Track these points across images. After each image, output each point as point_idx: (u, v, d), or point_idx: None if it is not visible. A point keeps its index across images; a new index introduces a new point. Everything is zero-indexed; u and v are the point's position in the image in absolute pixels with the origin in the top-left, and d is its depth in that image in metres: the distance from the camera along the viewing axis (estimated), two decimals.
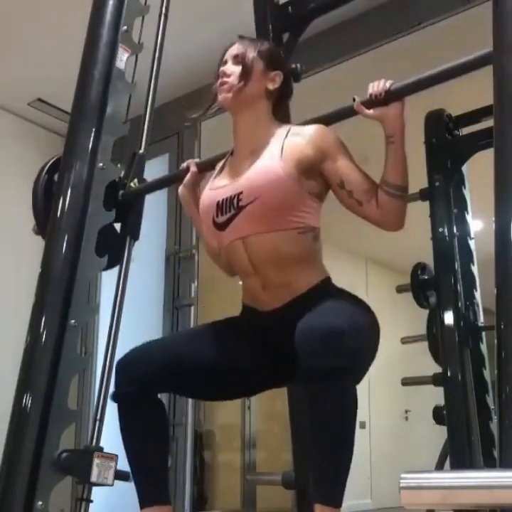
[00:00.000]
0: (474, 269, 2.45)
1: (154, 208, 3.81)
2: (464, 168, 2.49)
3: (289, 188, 1.50)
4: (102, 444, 1.83)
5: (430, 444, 3.32)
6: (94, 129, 2.01)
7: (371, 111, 1.50)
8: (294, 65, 1.76)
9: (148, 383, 1.53)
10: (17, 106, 4.06)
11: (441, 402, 2.27)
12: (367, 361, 1.42)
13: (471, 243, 2.47)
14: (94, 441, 1.83)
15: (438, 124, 2.46)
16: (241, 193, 1.54)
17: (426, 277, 2.49)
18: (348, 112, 1.58)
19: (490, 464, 2.12)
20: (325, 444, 1.32)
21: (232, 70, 1.61)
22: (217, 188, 1.62)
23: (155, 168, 3.35)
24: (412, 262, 2.56)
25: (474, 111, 2.41)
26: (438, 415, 2.28)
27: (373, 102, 1.49)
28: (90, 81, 2.06)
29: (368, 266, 6.64)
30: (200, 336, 1.66)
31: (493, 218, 1.19)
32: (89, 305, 1.98)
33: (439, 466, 2.28)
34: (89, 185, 1.97)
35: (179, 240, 3.87)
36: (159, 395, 1.60)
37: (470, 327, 2.32)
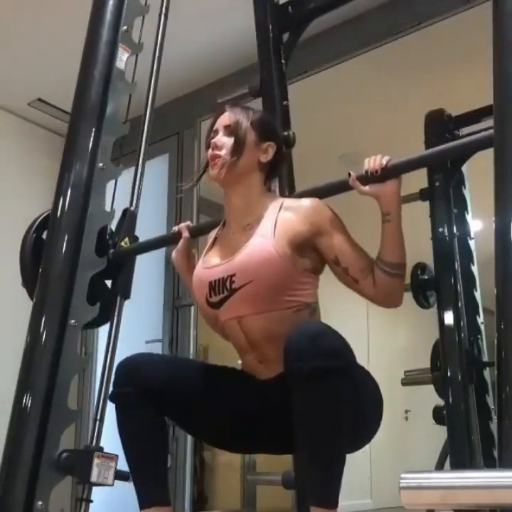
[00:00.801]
0: (474, 269, 2.46)
1: (154, 208, 3.81)
2: (464, 168, 2.49)
3: (283, 268, 1.46)
4: (102, 444, 1.83)
5: (430, 444, 3.32)
6: (94, 129, 2.01)
7: (367, 187, 1.47)
8: (286, 133, 1.75)
9: (148, 387, 1.50)
10: (17, 106, 4.06)
11: (442, 402, 2.27)
12: (359, 375, 1.42)
13: (471, 243, 2.48)
14: (94, 441, 1.83)
15: (438, 124, 2.46)
16: (234, 275, 1.50)
17: (426, 277, 2.49)
18: (342, 187, 1.55)
19: (490, 464, 2.12)
20: (313, 446, 1.30)
21: (224, 141, 1.55)
22: (209, 267, 1.58)
23: (155, 168, 3.36)
24: (412, 262, 2.56)
25: (474, 111, 2.41)
26: (438, 415, 2.28)
27: (369, 178, 1.46)
28: (90, 81, 2.06)
29: None
30: (203, 369, 1.62)
31: (493, 218, 1.19)
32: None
33: (439, 466, 2.28)
34: (89, 185, 1.97)
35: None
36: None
37: (473, 358, 2.32)
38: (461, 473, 0.94)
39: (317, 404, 1.28)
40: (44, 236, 2.02)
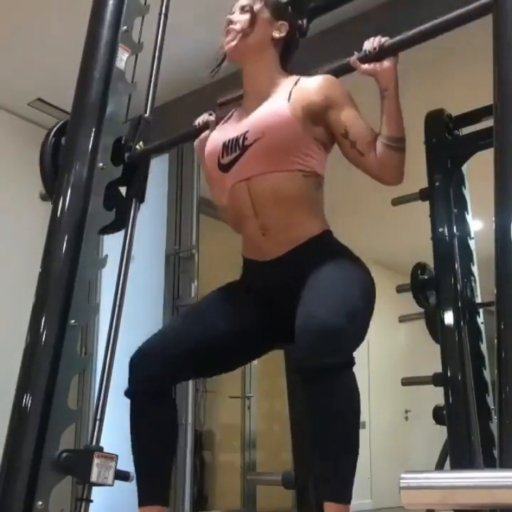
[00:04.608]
0: (474, 269, 2.46)
1: (154, 208, 3.82)
2: (464, 168, 2.49)
3: (295, 129, 1.52)
4: (102, 444, 1.83)
5: (430, 444, 3.32)
6: (94, 129, 2.01)
7: (366, 65, 1.53)
8: (299, 21, 1.78)
9: (160, 380, 1.53)
10: (17, 106, 4.06)
11: (441, 402, 2.27)
12: (361, 339, 1.45)
13: (471, 243, 2.48)
14: (94, 441, 1.83)
15: (438, 124, 2.46)
16: (247, 132, 1.57)
17: (426, 277, 2.49)
18: (345, 68, 1.61)
19: (490, 464, 2.12)
20: (332, 443, 1.32)
21: (239, 18, 1.67)
22: (224, 130, 1.66)
23: (155, 168, 3.35)
24: (412, 262, 2.56)
25: (474, 111, 2.41)
26: (438, 415, 2.28)
27: (369, 57, 1.53)
28: (90, 81, 2.06)
29: (367, 266, 6.64)
30: (202, 313, 1.65)
31: (493, 218, 1.19)
32: (89, 305, 1.98)
33: (439, 466, 2.28)
34: (89, 185, 1.96)
35: (179, 240, 3.87)
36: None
37: (467, 300, 2.33)
38: (461, 473, 0.94)
39: (329, 401, 1.30)
40: (62, 141, 2.07)
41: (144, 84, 2.18)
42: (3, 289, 3.77)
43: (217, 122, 1.77)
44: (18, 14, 3.25)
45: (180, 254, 3.83)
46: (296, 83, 1.60)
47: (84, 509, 1.76)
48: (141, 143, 2.06)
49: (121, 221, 2.02)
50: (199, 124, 1.82)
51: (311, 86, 1.57)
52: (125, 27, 2.13)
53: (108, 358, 1.90)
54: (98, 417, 1.83)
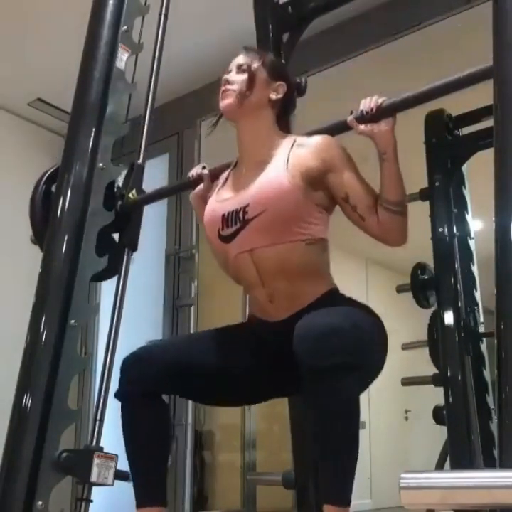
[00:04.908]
0: (474, 269, 2.45)
1: (154, 208, 3.81)
2: (464, 168, 2.49)
3: (296, 199, 1.49)
4: (102, 444, 1.83)
5: (430, 444, 3.31)
6: (94, 129, 2.01)
7: (362, 126, 1.49)
8: (298, 79, 1.75)
9: (153, 383, 1.53)
10: (17, 106, 4.06)
11: (441, 402, 2.26)
12: (371, 357, 1.44)
13: (471, 243, 2.47)
14: (94, 441, 1.83)
15: (438, 124, 2.46)
16: (247, 205, 1.53)
17: (426, 277, 2.49)
18: (342, 127, 1.58)
19: (490, 464, 2.11)
20: (331, 445, 1.31)
21: (235, 78, 1.61)
22: (222, 200, 1.61)
23: (155, 168, 3.35)
24: (412, 262, 2.56)
25: (474, 111, 2.40)
26: (438, 415, 2.27)
27: (365, 117, 1.49)
28: (90, 81, 2.06)
29: (367, 266, 6.63)
30: (205, 339, 1.65)
31: (493, 218, 1.19)
32: (89, 305, 1.98)
33: (439, 466, 2.28)
34: (89, 185, 1.97)
35: (179, 240, 3.87)
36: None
37: (470, 330, 2.32)
38: (461, 473, 0.94)
39: (330, 404, 1.29)
40: (53, 188, 2.04)
41: (144, 84, 2.19)
42: (3, 289, 3.78)
43: (211, 177, 1.75)
44: (18, 15, 3.25)
45: (180, 254, 3.83)
46: (292, 146, 1.57)
47: (84, 509, 1.77)
48: (133, 191, 2.05)
49: (114, 268, 2.01)
50: (192, 176, 1.80)
51: (308, 150, 1.54)
52: (125, 27, 2.14)
53: (108, 358, 1.91)
54: (98, 417, 1.84)
